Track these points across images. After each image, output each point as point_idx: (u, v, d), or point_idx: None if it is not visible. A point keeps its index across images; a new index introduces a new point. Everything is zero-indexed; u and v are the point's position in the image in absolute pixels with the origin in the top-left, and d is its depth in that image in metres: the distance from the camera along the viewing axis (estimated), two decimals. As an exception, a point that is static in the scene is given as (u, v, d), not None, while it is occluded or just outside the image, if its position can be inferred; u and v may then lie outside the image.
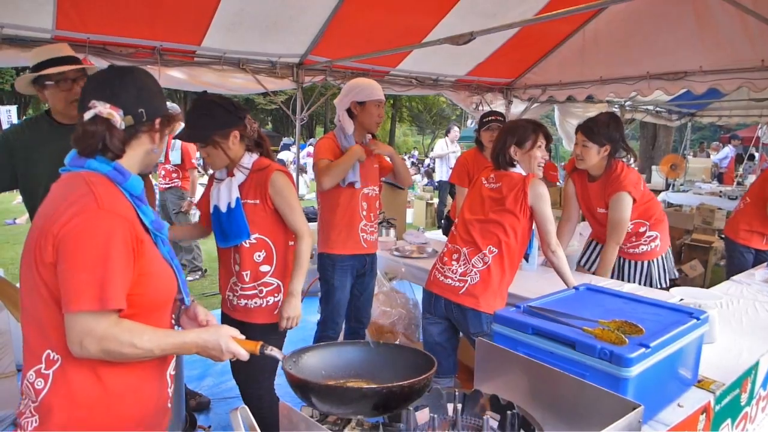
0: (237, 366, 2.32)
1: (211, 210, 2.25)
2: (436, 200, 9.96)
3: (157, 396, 1.36)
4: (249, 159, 2.22)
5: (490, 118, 3.99)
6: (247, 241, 2.19)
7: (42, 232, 1.20)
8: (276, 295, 2.26)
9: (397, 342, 3.39)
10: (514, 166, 2.45)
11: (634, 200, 2.89)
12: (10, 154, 2.30)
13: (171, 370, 1.42)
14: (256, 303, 2.24)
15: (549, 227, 2.38)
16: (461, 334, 2.54)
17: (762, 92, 4.50)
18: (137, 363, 1.27)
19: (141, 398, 1.31)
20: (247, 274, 2.22)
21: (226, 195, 2.19)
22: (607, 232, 2.96)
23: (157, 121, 1.37)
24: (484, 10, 4.45)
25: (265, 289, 2.24)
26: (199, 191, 7.70)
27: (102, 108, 1.27)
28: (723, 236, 4.19)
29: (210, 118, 2.13)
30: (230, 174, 2.23)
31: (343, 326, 3.20)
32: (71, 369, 1.21)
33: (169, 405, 1.43)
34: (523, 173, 2.43)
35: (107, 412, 1.25)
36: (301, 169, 11.61)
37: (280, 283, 2.26)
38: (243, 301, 2.24)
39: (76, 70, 2.27)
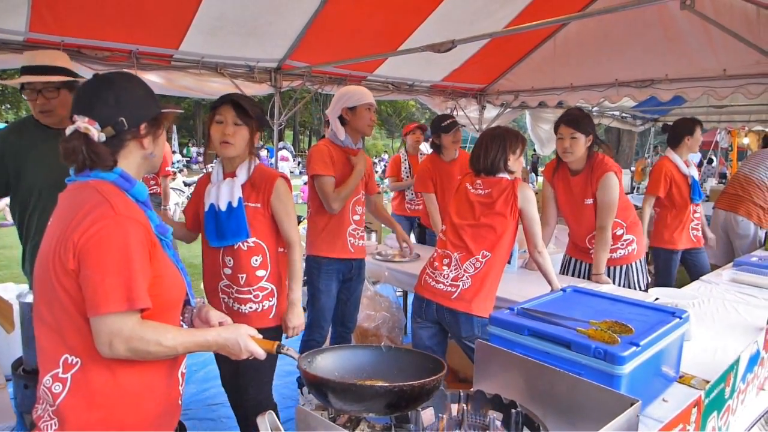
0: (233, 373, 2.31)
1: (206, 209, 2.24)
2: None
3: (168, 393, 1.39)
4: (250, 163, 2.25)
5: (449, 121, 4.08)
6: (245, 243, 2.21)
7: (60, 241, 1.22)
8: (270, 299, 2.27)
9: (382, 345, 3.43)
10: (509, 172, 2.51)
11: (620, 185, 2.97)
12: (2, 160, 2.27)
13: (182, 368, 1.45)
14: (250, 308, 2.25)
15: (536, 229, 2.47)
16: (450, 337, 2.60)
17: (723, 100, 4.72)
18: (152, 362, 1.30)
19: (155, 396, 1.35)
20: (242, 277, 2.22)
21: (228, 194, 2.19)
22: (597, 216, 2.99)
23: (142, 126, 1.35)
24: (461, 17, 4.54)
25: (261, 294, 2.25)
26: (173, 198, 7.62)
27: (80, 122, 1.28)
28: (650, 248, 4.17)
29: (257, 108, 2.22)
30: (230, 175, 2.24)
31: (330, 330, 3.22)
32: (91, 371, 1.24)
33: (180, 402, 1.46)
34: (509, 178, 2.50)
35: (124, 411, 1.28)
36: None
37: (274, 287, 2.28)
38: (237, 305, 2.25)
39: (45, 82, 2.24)
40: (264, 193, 2.22)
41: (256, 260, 2.23)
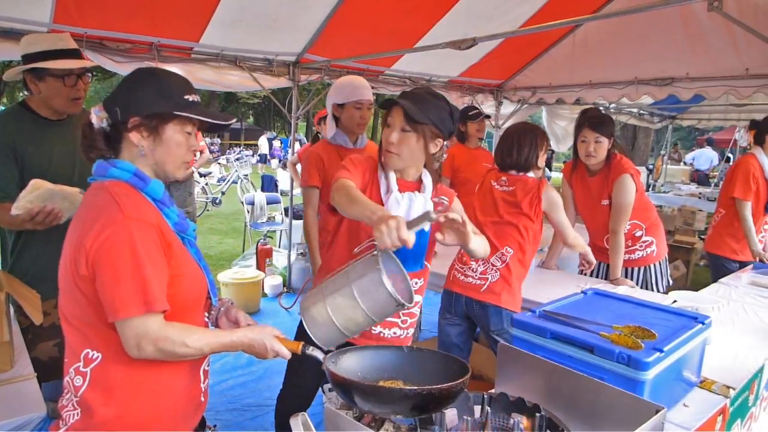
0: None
1: None
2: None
3: (189, 392, 1.40)
4: (430, 177, 1.89)
5: (476, 111, 4.24)
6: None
7: (76, 245, 1.23)
8: (414, 327, 2.04)
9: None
10: (537, 169, 2.53)
11: (637, 189, 2.92)
12: (14, 158, 2.09)
13: (205, 365, 1.45)
14: (394, 333, 1.98)
15: (566, 228, 2.54)
16: (477, 336, 2.63)
17: (744, 99, 4.66)
18: (173, 361, 1.31)
19: (173, 395, 1.36)
20: None
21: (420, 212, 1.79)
22: (611, 219, 2.96)
23: (132, 119, 1.30)
24: (481, 13, 4.52)
25: (409, 320, 2.00)
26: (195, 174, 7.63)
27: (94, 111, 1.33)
28: (707, 253, 3.95)
29: (438, 109, 1.77)
30: (410, 186, 1.86)
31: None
32: (110, 367, 1.27)
33: (202, 399, 1.46)
34: (535, 176, 2.52)
35: (140, 408, 1.30)
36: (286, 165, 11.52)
37: (418, 313, 2.11)
38: (377, 329, 1.95)
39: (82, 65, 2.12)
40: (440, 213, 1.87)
41: (417, 283, 1.92)
